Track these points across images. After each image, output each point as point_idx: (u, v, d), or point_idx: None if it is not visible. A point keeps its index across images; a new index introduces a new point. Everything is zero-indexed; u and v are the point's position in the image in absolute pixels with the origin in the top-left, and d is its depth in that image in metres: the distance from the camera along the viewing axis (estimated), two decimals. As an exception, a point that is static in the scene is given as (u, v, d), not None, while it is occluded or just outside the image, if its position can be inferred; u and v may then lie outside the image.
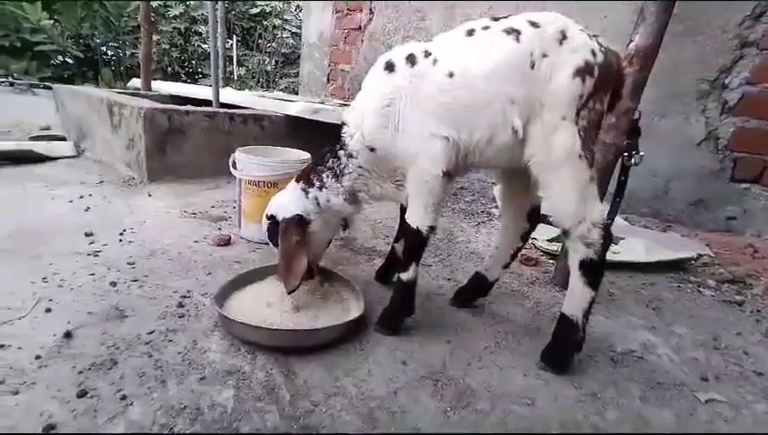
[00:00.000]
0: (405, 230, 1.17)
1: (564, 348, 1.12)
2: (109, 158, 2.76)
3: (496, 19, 1.12)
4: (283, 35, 8.65)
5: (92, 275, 1.35)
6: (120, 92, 3.40)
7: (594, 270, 1.07)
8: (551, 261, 1.94)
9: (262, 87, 8.23)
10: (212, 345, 1.06)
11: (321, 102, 3.27)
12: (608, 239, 1.07)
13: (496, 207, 2.70)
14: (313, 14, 4.97)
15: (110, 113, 2.62)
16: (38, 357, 0.96)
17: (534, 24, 1.06)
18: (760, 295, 1.80)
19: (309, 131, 2.89)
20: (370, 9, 4.19)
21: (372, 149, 1.16)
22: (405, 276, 1.19)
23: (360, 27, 4.30)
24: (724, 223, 2.54)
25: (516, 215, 1.32)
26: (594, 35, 1.10)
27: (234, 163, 1.77)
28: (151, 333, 1.08)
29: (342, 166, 1.21)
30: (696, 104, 2.52)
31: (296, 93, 7.26)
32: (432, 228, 1.15)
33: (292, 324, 1.14)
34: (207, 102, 3.17)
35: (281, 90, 8.09)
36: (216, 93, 2.86)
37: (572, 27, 1.06)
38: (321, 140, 2.95)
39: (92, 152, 2.97)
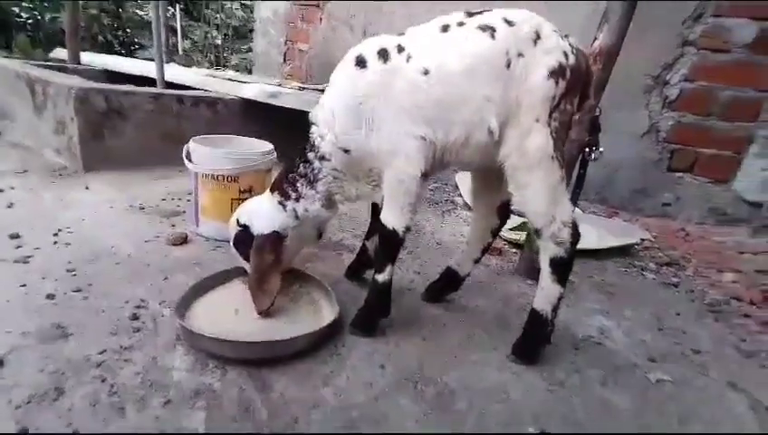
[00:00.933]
0: (380, 231, 1.14)
1: (534, 341, 1.17)
2: (33, 142, 2.42)
3: (470, 14, 1.09)
4: (233, 6, 8.01)
5: (23, 286, 1.18)
6: (41, 65, 2.97)
7: (563, 268, 1.11)
8: (513, 250, 2.02)
9: (210, 63, 7.63)
10: (175, 362, 0.98)
11: (279, 85, 3.08)
12: (576, 237, 1.11)
13: (460, 195, 2.74)
14: (266, -15, 4.62)
15: (32, 92, 2.28)
16: (-38, 391, 0.83)
17: (509, 23, 1.04)
18: (692, 276, 2.00)
19: (265, 115, 2.73)
20: (329, -16, 3.97)
21: (346, 151, 1.11)
22: (381, 278, 1.17)
23: (318, 5, 4.07)
24: (661, 208, 2.79)
25: (486, 211, 1.34)
26: (565, 35, 1.10)
27: (188, 154, 1.62)
28: (102, 352, 0.97)
29: (315, 170, 1.15)
30: (641, 98, 2.70)
31: (250, 72, 6.83)
32: (408, 229, 1.13)
33: (264, 333, 1.08)
34: (149, 81, 2.86)
35: (232, 66, 7.55)
36: (161, 71, 2.59)
37: (546, 27, 1.06)
38: (277, 124, 2.83)
39: (10, 135, 2.59)
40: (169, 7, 7.20)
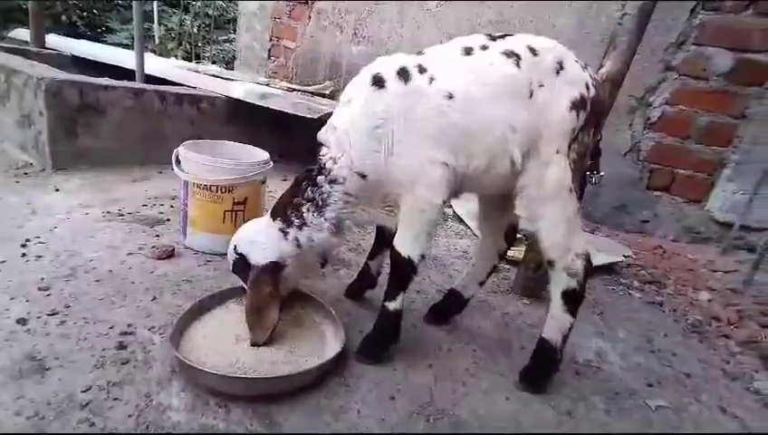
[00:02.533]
0: (393, 258, 1.10)
1: (543, 370, 1.17)
2: (-9, 135, 2.20)
3: (493, 38, 1.07)
4: (212, -6, 7.64)
5: (-11, 308, 1.05)
6: (1, 48, 2.70)
7: (575, 299, 1.11)
8: (507, 266, 2.03)
9: (186, 53, 7.27)
10: (172, 400, 0.89)
11: (267, 84, 2.96)
12: (589, 269, 1.11)
13: (450, 205, 2.74)
14: (252, -22, 4.45)
15: (-7, 80, 2.07)
16: None
17: (533, 51, 1.03)
18: (673, 294, 2.09)
19: (252, 116, 2.62)
20: (320, -17, 3.87)
21: (363, 176, 1.04)
22: (392, 306, 1.12)
23: (307, 1, 3.96)
24: (639, 225, 2.90)
25: (494, 234, 1.33)
26: (585, 66, 1.10)
27: (177, 160, 1.51)
28: (87, 390, 0.88)
29: (325, 195, 1.07)
30: (625, 118, 2.80)
31: (227, 65, 6.56)
32: (423, 257, 1.10)
33: (269, 364, 1.01)
34: (125, 72, 2.67)
35: (208, 58, 7.22)
36: (141, 64, 2.41)
37: (569, 57, 1.06)
38: (263, 125, 2.72)
39: (-35, 125, 2.34)
40: (143, -9, 6.79)
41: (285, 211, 1.12)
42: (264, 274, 1.09)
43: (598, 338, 1.52)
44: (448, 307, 1.41)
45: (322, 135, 1.09)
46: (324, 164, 1.07)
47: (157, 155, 2.19)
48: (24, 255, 1.30)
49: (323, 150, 1.08)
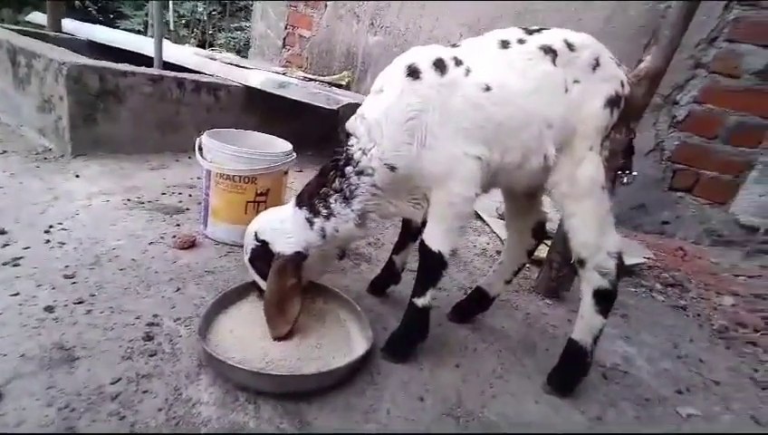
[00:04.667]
0: (423, 253, 1.07)
1: (572, 372, 1.14)
2: (11, 119, 2.19)
3: (530, 32, 1.04)
4: (223, -20, 7.57)
5: (16, 295, 1.04)
6: (20, 31, 2.68)
7: (607, 299, 1.08)
8: (528, 265, 1.99)
9: (197, 41, 7.23)
10: (202, 395, 0.88)
11: (284, 73, 2.92)
12: (621, 268, 1.08)
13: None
14: (269, -36, 4.38)
15: (13, 63, 2.05)
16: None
17: (570, 46, 1.01)
18: (696, 298, 2.04)
19: (268, 105, 2.59)
20: (337, -30, 3.79)
21: (393, 168, 1.01)
22: (421, 302, 1.10)
23: (324, -10, 3.89)
24: (659, 226, 2.84)
25: (522, 231, 1.30)
26: (619, 63, 1.07)
27: (200, 148, 1.48)
28: (116, 381, 0.86)
29: (353, 186, 1.04)
30: (649, 116, 2.72)
31: (239, 53, 6.50)
32: (454, 252, 1.07)
33: (296, 360, 1.00)
34: (141, 58, 2.65)
35: (219, 46, 7.17)
36: (159, 51, 2.39)
37: (605, 54, 1.04)
38: (279, 114, 2.69)
39: (-17, 108, 2.34)
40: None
41: (312, 200, 1.09)
42: (289, 263, 1.06)
43: (623, 342, 1.49)
44: (473, 305, 1.38)
45: (351, 124, 1.06)
46: (353, 155, 1.04)
47: (173, 142, 2.18)
48: (47, 241, 1.30)
49: (352, 141, 1.05)
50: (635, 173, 1.35)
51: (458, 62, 1.00)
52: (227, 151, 1.43)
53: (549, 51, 1.00)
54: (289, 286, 1.06)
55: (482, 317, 1.43)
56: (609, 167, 1.06)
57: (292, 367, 0.96)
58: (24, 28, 3.04)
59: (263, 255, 1.10)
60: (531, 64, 0.99)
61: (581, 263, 1.08)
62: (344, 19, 3.84)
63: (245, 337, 1.03)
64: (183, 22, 7.81)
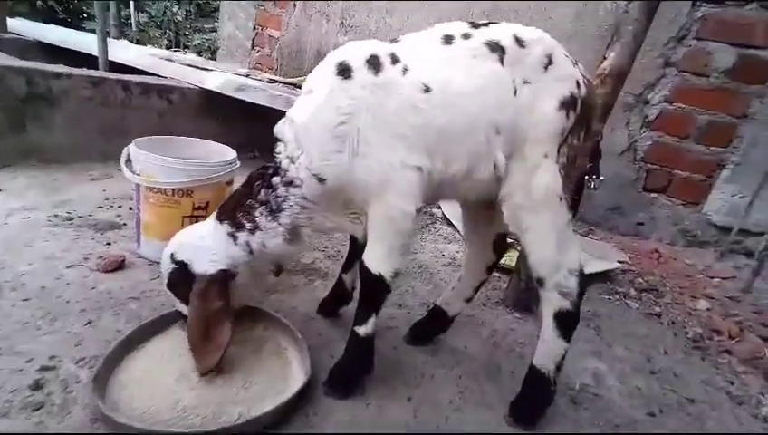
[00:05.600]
0: (363, 275, 0.95)
1: (535, 402, 1.03)
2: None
3: (476, 26, 0.94)
4: (194, -20, 7.34)
5: None
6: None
7: (569, 322, 0.98)
8: (497, 274, 1.90)
9: (170, 42, 6.97)
10: (91, 458, 0.74)
11: (247, 75, 2.77)
12: (583, 287, 0.98)
13: (439, 206, 2.60)
14: (235, -38, 4.21)
15: (-71, 65, 1.85)
16: None
17: (520, 42, 0.90)
18: (671, 304, 1.98)
19: (228, 110, 2.44)
20: (305, -31, 3.66)
21: (322, 180, 0.90)
22: (362, 331, 0.98)
23: (292, -12, 3.75)
24: (634, 228, 2.80)
25: (481, 245, 1.19)
26: (575, 62, 0.97)
27: (128, 160, 1.33)
28: (-17, 445, 0.72)
29: (280, 199, 0.93)
30: (622, 116, 2.67)
31: (213, 55, 6.28)
32: (397, 274, 0.95)
33: (216, 406, 0.86)
34: (94, 60, 2.46)
35: (193, 47, 6.94)
36: (104, 49, 2.21)
37: (558, 51, 0.94)
38: (241, 122, 2.54)
39: None
40: (123, -26, 6.45)
41: (235, 213, 0.97)
42: (214, 284, 0.93)
43: (595, 358, 1.40)
44: (431, 326, 1.27)
45: (279, 129, 0.94)
46: (280, 163, 0.92)
47: (118, 150, 2.00)
48: (-58, 268, 1.13)
49: (279, 147, 0.93)
50: (602, 178, 1.26)
51: (395, 60, 0.88)
52: (157, 162, 1.28)
53: (496, 47, 0.90)
54: (215, 310, 0.93)
55: (443, 337, 1.32)
56: (568, 175, 0.96)
57: (207, 415, 0.83)
58: (-37, 28, 2.81)
59: (183, 278, 0.97)
60: (475, 62, 0.88)
61: (540, 282, 0.98)
62: (313, 19, 3.71)
63: (159, 380, 0.89)
64: (156, 23, 7.55)
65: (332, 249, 1.78)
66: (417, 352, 1.24)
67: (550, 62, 0.91)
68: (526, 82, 0.90)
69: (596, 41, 2.53)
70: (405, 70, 0.87)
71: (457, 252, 2.05)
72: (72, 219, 1.52)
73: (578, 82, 0.94)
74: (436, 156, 0.89)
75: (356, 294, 1.29)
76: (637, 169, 2.72)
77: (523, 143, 0.91)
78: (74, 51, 2.84)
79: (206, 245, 0.96)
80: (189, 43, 6.94)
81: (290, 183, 0.91)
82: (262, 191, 0.94)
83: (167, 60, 2.74)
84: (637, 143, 2.69)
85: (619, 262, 2.27)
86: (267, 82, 2.76)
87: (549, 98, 0.90)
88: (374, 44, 0.91)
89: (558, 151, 0.94)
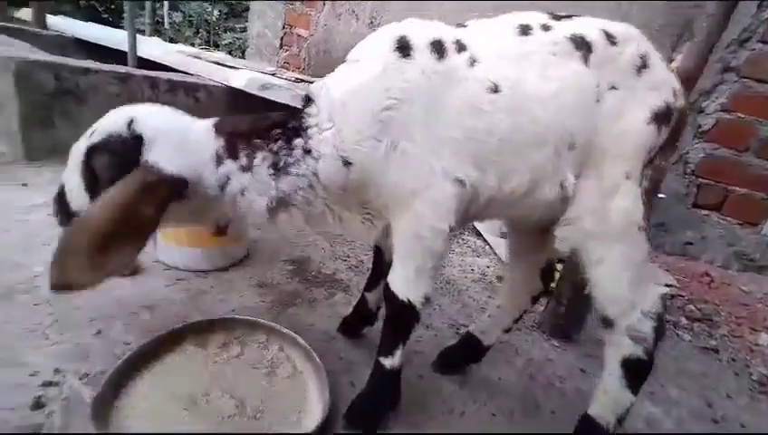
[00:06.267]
0: (389, 301, 0.84)
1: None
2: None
3: (557, 17, 0.80)
4: (229, -20, 7.47)
5: None
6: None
7: (640, 371, 0.84)
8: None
9: (202, 41, 7.11)
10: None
11: (273, 74, 2.72)
12: (661, 332, 0.83)
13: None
14: (266, -38, 4.20)
15: (-34, 59, 1.88)
16: None
17: (610, 39, 0.77)
18: (727, 336, 1.77)
19: (255, 109, 2.37)
20: (336, -33, 3.60)
21: (348, 163, 0.76)
22: (389, 363, 0.87)
23: (322, -14, 3.70)
24: (682, 247, 2.56)
25: (528, 272, 1.05)
26: (669, 66, 0.83)
27: (147, 159, 1.27)
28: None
29: (291, 161, 0.78)
30: (672, 125, 2.45)
31: (243, 54, 6.34)
32: (427, 299, 0.83)
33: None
34: (125, 55, 2.47)
35: (225, 46, 7.05)
36: (133, 46, 2.20)
37: (653, 52, 0.80)
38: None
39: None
40: (159, -25, 6.64)
41: (237, 139, 0.80)
42: (162, 186, 0.73)
43: (647, 400, 1.23)
44: (463, 355, 1.14)
45: (315, 90, 0.81)
46: (306, 127, 0.79)
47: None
48: (-41, 265, 1.09)
49: (311, 109, 0.79)
50: (662, 195, 1.10)
51: (461, 48, 0.76)
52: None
53: (581, 44, 0.76)
54: (139, 218, 0.71)
55: (474, 365, 1.19)
56: (650, 200, 0.81)
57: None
58: (7, 24, 2.89)
59: (123, 152, 0.75)
60: (555, 61, 0.75)
61: (608, 323, 0.84)
62: (343, 18, 3.64)
63: (163, 405, 0.81)
64: (190, 22, 7.73)
65: (354, 259, 1.69)
66: (446, 382, 1.12)
67: (644, 65, 0.78)
68: (613, 88, 0.77)
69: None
70: (472, 61, 0.75)
71: (488, 267, 1.91)
72: (91, 218, 1.48)
73: (674, 91, 0.80)
74: (489, 169, 0.76)
75: (381, 313, 1.19)
76: (686, 183, 2.49)
77: (601, 159, 0.78)
78: (109, 48, 2.87)
79: (184, 138, 0.78)
80: (220, 42, 7.06)
81: (308, 151, 0.78)
82: (278, 141, 0.79)
83: (194, 57, 2.73)
84: (688, 155, 2.46)
85: (667, 286, 2.06)
86: (293, 81, 2.70)
87: (639, 108, 0.77)
88: (439, 26, 0.79)
89: (642, 173, 0.80)
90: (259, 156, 0.79)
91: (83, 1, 6.75)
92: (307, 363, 1.00)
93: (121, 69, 1.97)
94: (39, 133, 1.74)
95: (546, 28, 0.78)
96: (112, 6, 7.12)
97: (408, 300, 0.81)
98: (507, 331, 1.12)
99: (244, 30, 7.67)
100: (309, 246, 1.68)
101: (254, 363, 0.97)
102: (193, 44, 6.95)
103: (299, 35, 4.03)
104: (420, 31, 0.77)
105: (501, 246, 2.04)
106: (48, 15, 3.40)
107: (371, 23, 3.46)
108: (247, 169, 0.79)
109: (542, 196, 0.79)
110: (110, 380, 0.80)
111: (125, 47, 2.64)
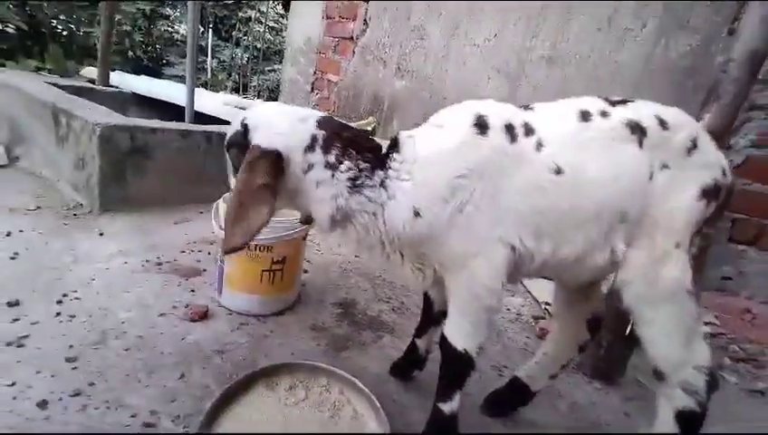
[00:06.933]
0: (446, 351, 0.93)
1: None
2: (51, 173, 2.28)
3: (613, 103, 0.90)
4: (259, 29, 8.11)
5: (12, 385, 0.98)
6: (70, 87, 2.88)
7: (693, 423, 0.88)
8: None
9: (235, 83, 7.65)
10: None
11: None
12: (714, 386, 0.88)
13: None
14: (301, 16, 4.59)
15: (56, 123, 2.16)
16: None
17: (663, 124, 0.86)
18: (775, 379, 1.73)
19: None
20: (365, 20, 3.90)
21: (417, 214, 0.84)
22: (447, 408, 0.94)
23: (352, 37, 4.01)
24: (719, 282, 2.53)
25: (574, 324, 1.12)
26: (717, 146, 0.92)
27: (216, 211, 1.44)
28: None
29: (370, 183, 0.86)
30: (700, 161, 2.49)
31: (271, 93, 6.75)
32: (482, 348, 0.92)
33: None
34: (176, 107, 2.74)
35: (253, 87, 7.57)
36: (191, 105, 2.46)
37: (703, 135, 0.89)
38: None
39: (29, 161, 2.46)
40: (200, 26, 7.28)
41: (333, 138, 0.88)
42: (264, 158, 0.83)
43: (695, 447, 1.24)
44: (511, 399, 1.20)
45: (404, 140, 0.89)
46: (390, 166, 0.86)
47: (198, 195, 2.18)
48: (58, 314, 1.25)
49: (397, 154, 0.87)
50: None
51: (529, 131, 0.86)
52: (244, 218, 1.37)
53: (636, 128, 0.85)
54: (257, 186, 0.82)
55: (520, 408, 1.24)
56: (698, 266, 0.89)
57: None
58: (76, 83, 3.27)
59: (239, 141, 0.90)
60: (613, 145, 0.85)
61: (660, 376, 0.90)
62: (371, 64, 3.90)
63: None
64: (223, 67, 8.38)
65: (396, 301, 1.78)
66: (494, 425, 1.17)
67: (694, 147, 0.86)
68: (665, 167, 0.85)
69: (666, 89, 2.42)
70: (539, 145, 0.84)
71: (522, 306, 1.96)
72: (160, 265, 1.65)
73: (723, 170, 0.88)
74: (545, 238, 0.85)
75: (431, 357, 1.27)
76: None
77: (652, 231, 0.85)
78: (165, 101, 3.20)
79: (278, 123, 0.88)
80: (249, 84, 7.60)
81: (384, 186, 0.85)
82: (367, 163, 0.86)
83: (239, 108, 2.99)
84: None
85: (706, 323, 2.04)
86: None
87: (689, 185, 0.85)
88: (511, 109, 0.89)
89: (691, 242, 0.87)
90: (346, 164, 0.87)
91: (131, 52, 7.45)
92: (366, 406, 1.08)
93: (182, 126, 2.21)
94: (113, 187, 1.96)
95: (604, 114, 0.87)
96: (154, 55, 7.84)
97: (465, 350, 0.90)
98: (554, 377, 1.17)
99: (271, 71, 8.24)
100: (353, 289, 1.79)
101: (318, 406, 1.06)
102: (226, 86, 7.49)
103: (329, 80, 4.33)
104: (497, 111, 0.87)
105: (534, 286, 2.09)
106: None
107: (398, 68, 3.70)
108: (332, 168, 0.87)
109: (592, 262, 0.87)
110: (204, 422, 0.91)
111: (178, 100, 2.94)
